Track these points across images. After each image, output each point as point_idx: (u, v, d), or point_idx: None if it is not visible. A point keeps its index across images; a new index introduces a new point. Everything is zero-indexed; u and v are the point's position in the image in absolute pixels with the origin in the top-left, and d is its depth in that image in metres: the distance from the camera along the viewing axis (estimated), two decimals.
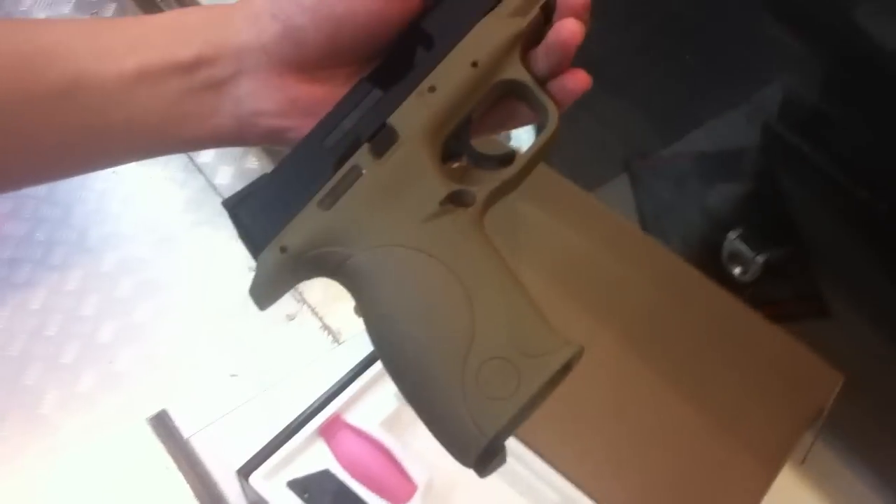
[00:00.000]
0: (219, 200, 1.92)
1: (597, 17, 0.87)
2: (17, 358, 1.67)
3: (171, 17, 0.44)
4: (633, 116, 0.90)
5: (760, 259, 0.80)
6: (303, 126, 0.45)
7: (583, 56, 0.93)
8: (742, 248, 0.81)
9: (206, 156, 1.95)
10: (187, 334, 1.70)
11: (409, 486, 0.80)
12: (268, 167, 1.92)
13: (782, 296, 0.83)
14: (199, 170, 1.93)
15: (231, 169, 1.93)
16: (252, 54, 0.43)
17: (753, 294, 0.83)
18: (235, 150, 1.95)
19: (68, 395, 1.63)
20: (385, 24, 0.43)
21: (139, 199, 1.90)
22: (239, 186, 1.99)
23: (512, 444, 0.82)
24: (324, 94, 0.44)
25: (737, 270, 0.82)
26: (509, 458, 0.82)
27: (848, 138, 0.69)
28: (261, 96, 0.44)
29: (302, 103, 0.44)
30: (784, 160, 0.76)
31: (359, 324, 0.98)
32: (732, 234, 0.82)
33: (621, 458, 0.78)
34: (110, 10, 2.24)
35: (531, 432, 0.81)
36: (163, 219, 1.87)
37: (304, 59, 0.43)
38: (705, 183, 0.86)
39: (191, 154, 1.95)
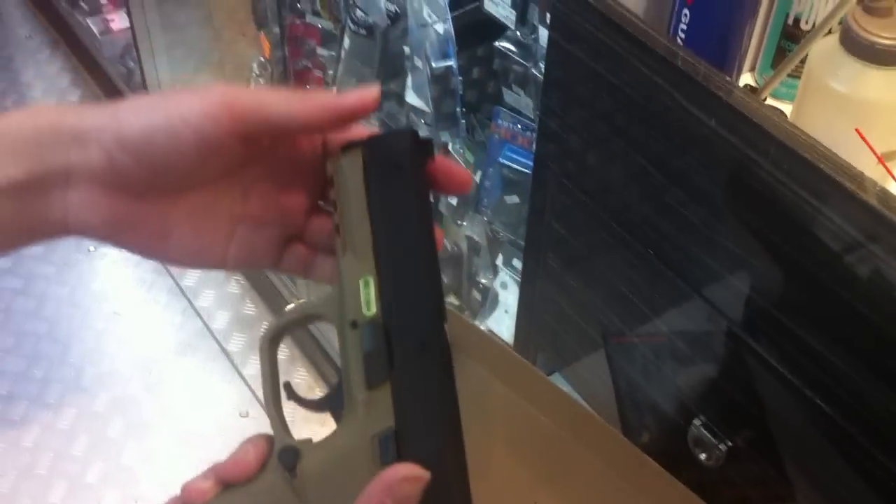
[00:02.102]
0: (213, 344, 1.97)
1: (573, 222, 0.94)
2: (6, 495, 1.69)
3: (2, 133, 0.44)
4: (608, 304, 0.96)
5: (723, 447, 0.84)
6: (129, 237, 0.47)
7: (564, 237, 0.99)
8: (706, 435, 0.85)
9: (205, 300, 2.00)
10: (176, 480, 1.71)
11: None
12: (265, 313, 1.97)
13: (747, 481, 0.86)
14: (197, 313, 1.98)
15: (228, 314, 1.98)
16: (80, 175, 0.44)
17: (718, 479, 0.87)
18: (233, 296, 2.01)
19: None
20: (203, 172, 0.46)
21: (136, 339, 1.95)
22: (234, 331, 2.04)
23: None
24: (150, 211, 0.46)
25: (702, 456, 0.86)
26: None
27: (794, 341, 0.74)
28: (87, 212, 0.45)
29: (129, 219, 0.46)
30: (741, 354, 0.80)
31: None
32: (697, 422, 0.86)
33: None
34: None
35: None
36: (158, 360, 1.91)
37: (129, 186, 0.45)
38: (672, 367, 0.91)
39: (189, 298, 2.01)
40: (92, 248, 2.09)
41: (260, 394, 2.08)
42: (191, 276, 2.05)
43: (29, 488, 1.71)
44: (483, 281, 1.60)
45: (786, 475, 0.82)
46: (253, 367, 1.88)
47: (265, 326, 1.93)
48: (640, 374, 0.97)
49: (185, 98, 0.44)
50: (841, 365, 0.70)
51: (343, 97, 0.45)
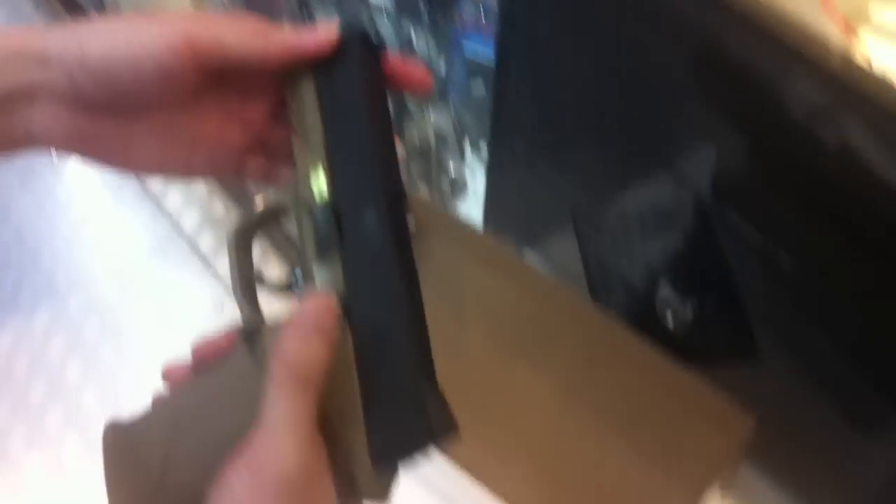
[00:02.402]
0: (184, 244, 1.98)
1: (541, 91, 0.95)
2: None
3: None
4: (574, 179, 0.97)
5: (689, 307, 0.87)
6: (92, 151, 0.48)
7: (529, 122, 1.00)
8: (672, 296, 0.88)
9: (173, 201, 2.00)
10: (154, 377, 1.73)
11: None
12: (234, 211, 1.97)
13: (712, 341, 0.90)
14: (166, 214, 1.98)
15: (197, 214, 1.98)
16: (43, 94, 0.46)
17: (685, 340, 0.90)
18: (202, 195, 2.00)
19: (36, 433, 1.67)
20: (162, 98, 0.47)
21: (106, 244, 1.95)
22: (204, 230, 2.04)
23: (459, 475, 0.87)
24: (112, 128, 0.47)
25: (669, 317, 0.89)
26: (457, 492, 0.88)
27: (769, 205, 0.76)
28: (51, 128, 0.47)
29: (91, 134, 0.47)
30: (709, 217, 0.83)
31: None
32: (663, 284, 0.89)
33: (558, 493, 0.84)
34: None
35: (476, 465, 0.87)
36: (129, 263, 1.91)
37: (91, 106, 0.46)
38: (639, 236, 0.93)
39: (158, 199, 2.00)
40: (55, 158, 2.07)
41: None
42: (157, 179, 2.04)
43: (8, 390, 1.73)
44: (451, 170, 1.61)
45: (751, 333, 0.85)
46: (226, 265, 1.88)
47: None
48: (608, 246, 0.99)
49: (147, 28, 0.45)
50: (805, 224, 0.73)
51: (304, 39, 0.47)
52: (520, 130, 1.00)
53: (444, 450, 0.87)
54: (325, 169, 0.44)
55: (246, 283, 0.45)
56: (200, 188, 2.02)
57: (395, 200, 0.44)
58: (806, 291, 0.76)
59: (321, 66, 0.47)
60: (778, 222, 0.76)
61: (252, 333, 0.45)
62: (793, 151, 0.71)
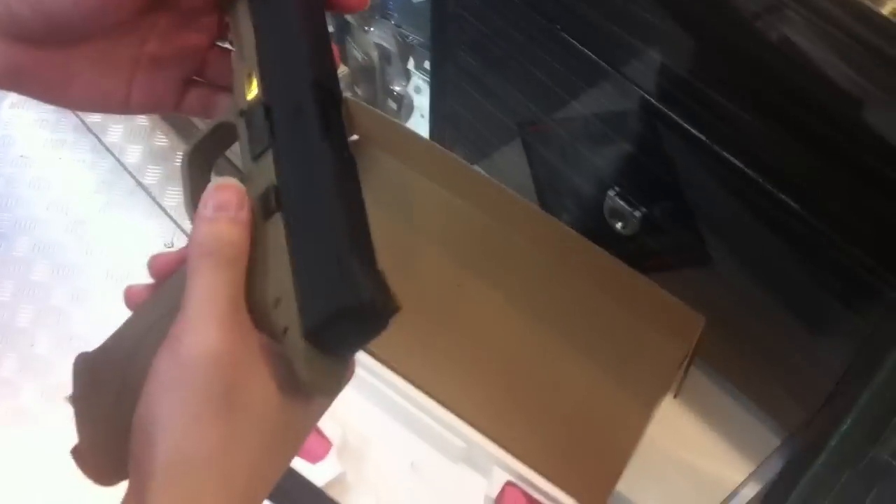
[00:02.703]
0: (129, 179, 1.94)
1: (480, 7, 0.92)
2: None
3: None
4: (521, 90, 0.95)
5: (638, 214, 0.86)
6: (30, 85, 0.46)
7: (471, 35, 0.98)
8: (621, 204, 0.87)
9: (114, 136, 1.95)
10: (107, 314, 1.71)
11: (324, 443, 0.85)
12: (177, 143, 1.93)
13: (662, 248, 0.89)
14: (108, 150, 1.93)
15: (140, 147, 1.93)
16: None
17: (635, 247, 0.90)
18: (142, 129, 1.96)
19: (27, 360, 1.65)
20: (101, 23, 0.46)
21: (48, 182, 1.90)
22: (148, 165, 2.01)
23: (418, 396, 0.88)
24: (49, 59, 0.46)
25: (618, 225, 0.89)
26: (418, 412, 0.88)
27: (705, 102, 0.75)
28: None
29: (29, 67, 0.46)
30: (653, 124, 0.82)
31: None
32: (612, 192, 0.88)
33: (519, 404, 0.84)
34: None
35: (435, 385, 0.87)
36: (74, 201, 1.87)
37: (27, 35, 0.45)
38: (588, 146, 0.92)
39: (98, 135, 1.95)
40: None
41: (184, 224, 2.06)
42: (96, 114, 1.99)
43: None
44: (397, 88, 1.58)
45: (700, 237, 0.85)
46: (172, 199, 1.85)
47: (179, 157, 1.90)
48: (557, 158, 0.98)
49: None
50: (751, 119, 0.72)
51: None
52: (463, 34, 0.97)
53: (389, 351, 0.86)
54: (256, 74, 0.44)
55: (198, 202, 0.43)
56: (142, 121, 1.97)
57: (327, 97, 0.43)
58: (751, 190, 0.75)
59: None
60: (722, 121, 0.75)
61: None
62: (736, 46, 0.70)
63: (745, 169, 0.75)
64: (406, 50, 1.50)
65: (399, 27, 1.46)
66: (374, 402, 0.90)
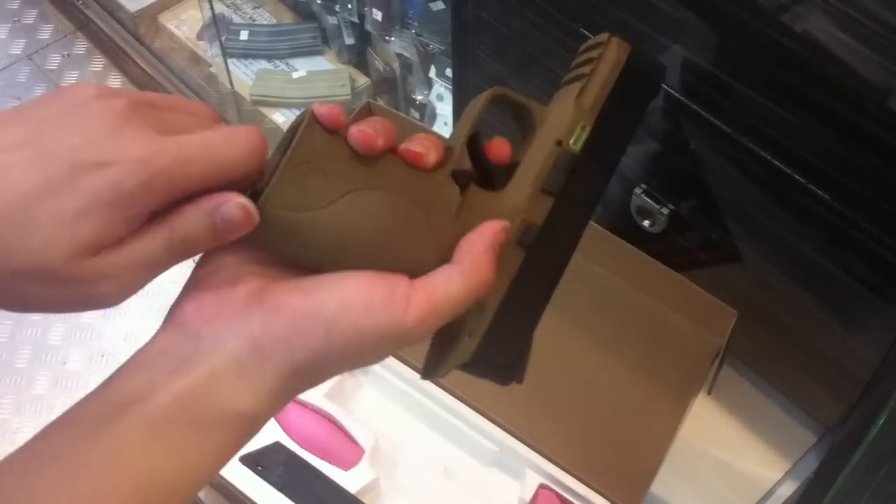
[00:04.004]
0: None
1: (499, 7, 0.92)
2: None
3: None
4: (544, 91, 0.95)
5: (665, 211, 0.86)
6: None
7: (492, 38, 0.98)
8: (648, 202, 0.87)
9: None
10: (137, 331, 1.72)
11: (357, 450, 0.85)
12: None
13: (690, 244, 0.89)
14: None
15: None
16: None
17: (663, 245, 0.89)
18: None
19: (25, 399, 1.66)
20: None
21: None
22: None
23: (450, 400, 0.87)
24: None
25: (646, 223, 0.88)
26: (449, 416, 0.88)
27: (735, 97, 0.74)
28: None
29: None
30: (680, 120, 0.81)
31: None
32: (639, 190, 0.87)
33: (551, 406, 0.84)
34: (31, 16, 2.24)
35: (467, 389, 0.87)
36: None
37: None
38: None
39: None
40: None
41: None
42: None
43: None
44: (419, 97, 1.58)
45: (729, 232, 0.85)
46: None
47: None
48: None
49: None
50: (778, 110, 0.71)
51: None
52: (483, 34, 0.97)
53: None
54: (588, 132, 0.49)
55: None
56: None
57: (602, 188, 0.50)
58: (780, 182, 0.74)
59: (633, 61, 0.51)
60: (749, 114, 0.75)
61: (464, 176, 0.46)
62: (762, 36, 0.69)
63: (774, 160, 0.74)
64: (427, 58, 1.51)
65: (419, 36, 1.46)
66: (405, 407, 0.90)
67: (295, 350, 0.39)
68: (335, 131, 0.42)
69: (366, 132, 0.42)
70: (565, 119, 0.49)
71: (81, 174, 0.37)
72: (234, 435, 0.40)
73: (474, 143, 0.48)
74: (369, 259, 0.42)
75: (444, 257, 0.43)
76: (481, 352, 0.44)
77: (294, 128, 0.44)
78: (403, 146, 0.43)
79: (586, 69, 0.51)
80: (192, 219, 0.40)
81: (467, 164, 0.48)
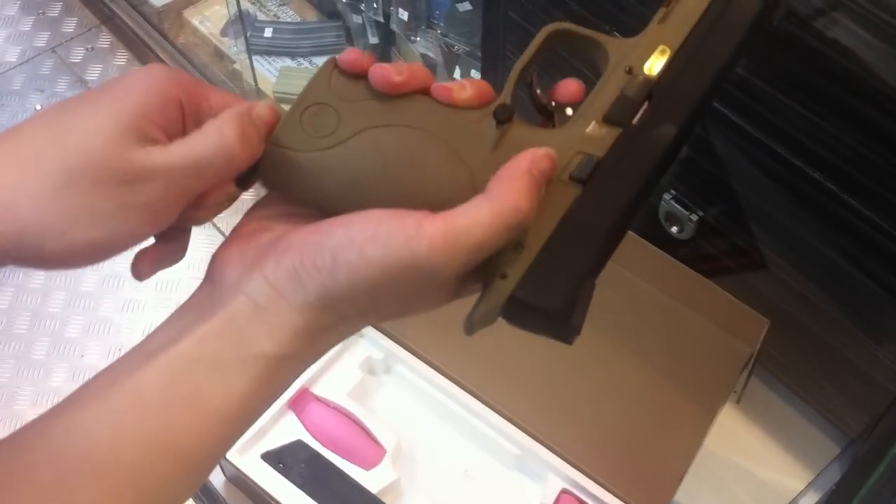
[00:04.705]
0: None
1: (530, 8, 0.92)
2: None
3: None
4: None
5: (694, 217, 0.85)
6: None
7: (521, 38, 0.97)
8: (677, 208, 0.86)
9: None
10: (155, 324, 1.72)
11: (378, 450, 0.85)
12: None
13: (719, 251, 0.88)
14: None
15: None
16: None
17: (691, 252, 0.89)
18: None
19: (42, 391, 1.66)
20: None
21: None
22: None
23: (473, 402, 0.87)
24: None
25: (674, 229, 0.88)
26: (472, 418, 0.87)
27: (765, 101, 0.74)
28: None
29: None
30: (710, 125, 0.81)
31: None
32: (668, 196, 0.87)
33: (576, 411, 0.83)
34: (56, 9, 2.25)
35: (491, 389, 0.86)
36: None
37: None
38: None
39: None
40: (39, 107, 2.04)
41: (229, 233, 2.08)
42: None
43: (11, 349, 1.72)
44: None
45: (758, 240, 0.84)
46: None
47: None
48: None
49: None
50: (810, 115, 0.71)
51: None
52: (513, 35, 0.97)
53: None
54: (670, 56, 0.43)
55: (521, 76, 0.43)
56: None
57: (686, 135, 0.43)
58: (811, 189, 0.74)
59: None
60: (780, 119, 0.74)
61: (505, 110, 0.42)
62: (794, 40, 0.69)
63: (805, 168, 0.74)
64: (452, 59, 1.50)
65: (445, 36, 1.46)
66: (427, 408, 0.90)
67: (305, 282, 0.39)
68: (357, 75, 0.41)
69: (385, 68, 0.41)
70: (641, 44, 0.43)
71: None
72: (259, 379, 0.39)
73: (531, 84, 0.43)
74: (389, 196, 0.40)
75: (477, 188, 0.39)
76: (521, 294, 0.39)
77: (317, 73, 0.43)
78: (435, 84, 0.41)
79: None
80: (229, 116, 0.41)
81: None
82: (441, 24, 1.44)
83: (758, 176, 0.79)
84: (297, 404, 0.88)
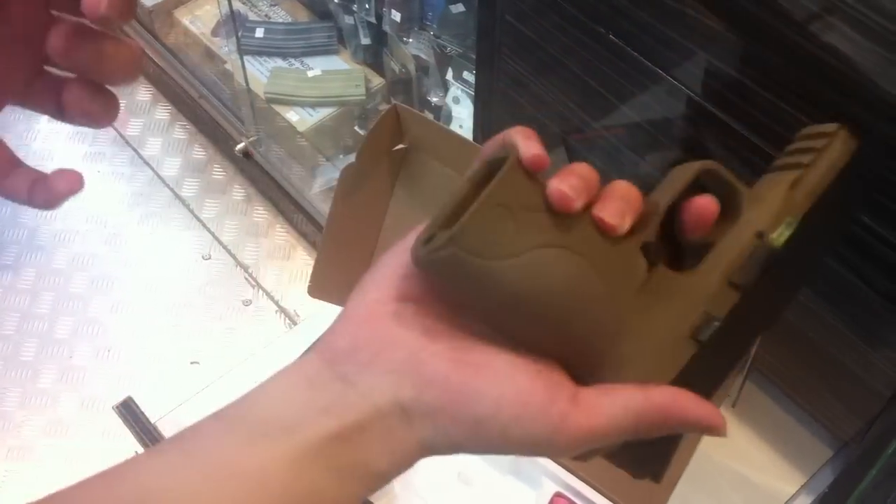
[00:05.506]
0: (167, 191, 1.95)
1: (526, 11, 0.92)
2: None
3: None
4: (567, 95, 0.95)
5: None
6: None
7: (516, 40, 0.97)
8: None
9: (152, 149, 1.97)
10: (144, 326, 1.72)
11: None
12: (214, 156, 1.94)
13: None
14: (146, 162, 1.95)
15: (177, 160, 1.95)
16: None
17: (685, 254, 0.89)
18: (181, 143, 1.97)
19: (30, 392, 1.66)
20: None
21: (88, 194, 1.91)
22: (186, 177, 2.02)
23: None
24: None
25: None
26: None
27: (762, 106, 0.74)
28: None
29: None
30: (706, 128, 0.81)
31: (314, 304, 1.02)
32: None
33: None
34: None
35: None
36: (112, 213, 1.89)
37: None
38: (636, 152, 0.91)
39: (136, 148, 1.97)
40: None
41: (221, 237, 2.06)
42: (134, 126, 2.01)
43: (0, 350, 1.71)
44: (434, 99, 1.58)
45: None
46: (210, 211, 1.86)
47: (217, 168, 1.92)
48: (604, 164, 0.97)
49: None
50: (805, 119, 0.71)
51: None
52: (508, 38, 0.96)
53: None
54: (795, 227, 0.45)
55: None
56: (180, 135, 1.99)
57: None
58: None
59: (863, 156, 0.49)
60: (777, 124, 0.74)
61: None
62: (791, 45, 0.69)
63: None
64: (444, 60, 1.50)
65: (437, 38, 1.46)
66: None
67: (439, 428, 0.39)
68: (534, 177, 0.40)
69: (563, 191, 0.39)
70: (772, 209, 0.45)
71: None
72: (366, 489, 0.40)
73: (670, 216, 0.44)
74: (542, 325, 0.40)
75: (619, 331, 0.40)
76: (618, 462, 0.42)
77: (492, 162, 0.41)
78: (598, 208, 0.40)
79: (805, 159, 0.47)
80: None
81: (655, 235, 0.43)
82: (434, 25, 1.44)
83: (752, 179, 0.79)
84: None
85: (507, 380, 0.39)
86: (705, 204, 0.42)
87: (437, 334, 0.40)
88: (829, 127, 0.48)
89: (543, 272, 0.39)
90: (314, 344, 0.41)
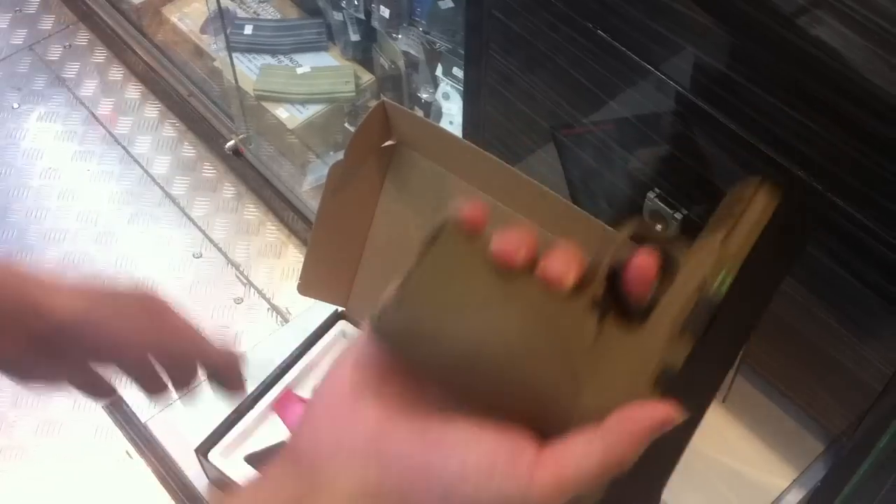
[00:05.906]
0: (157, 190, 1.94)
1: (515, 7, 0.92)
2: None
3: None
4: (556, 91, 0.94)
5: (678, 216, 0.85)
6: None
7: (505, 36, 0.97)
8: (661, 206, 0.86)
9: (142, 147, 1.96)
10: None
11: None
12: (205, 154, 1.94)
13: None
14: (136, 161, 1.94)
15: (167, 158, 1.94)
16: None
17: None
18: (171, 140, 1.96)
19: (22, 392, 1.65)
20: None
21: (76, 194, 1.91)
22: (176, 176, 2.00)
23: None
24: None
25: (658, 228, 0.88)
26: None
27: (751, 101, 0.74)
28: None
29: None
30: (695, 123, 0.81)
31: (305, 302, 1.02)
32: (652, 195, 0.87)
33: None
34: (33, 6, 2.23)
35: None
36: (102, 212, 1.88)
37: None
38: (625, 148, 0.91)
39: (126, 146, 1.96)
40: (16, 105, 2.02)
41: (212, 235, 2.05)
42: (123, 124, 2.00)
43: None
44: (424, 96, 1.58)
45: None
46: (200, 209, 1.86)
47: (207, 166, 1.91)
48: (593, 160, 0.97)
49: None
50: (794, 114, 0.71)
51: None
52: (497, 33, 0.96)
53: None
54: (732, 278, 0.46)
55: None
56: (169, 132, 1.98)
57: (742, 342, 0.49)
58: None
59: (783, 209, 0.49)
60: (765, 119, 0.74)
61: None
62: (780, 40, 0.69)
63: (790, 167, 0.74)
64: (434, 57, 1.50)
65: (427, 34, 1.46)
66: None
67: (410, 501, 0.39)
68: (475, 235, 0.41)
69: (507, 249, 0.40)
70: (709, 261, 0.46)
71: None
72: None
73: (614, 276, 0.44)
74: (496, 385, 0.40)
75: (574, 391, 0.40)
76: (612, 497, 0.42)
77: (436, 229, 0.41)
78: (543, 265, 0.40)
79: (734, 211, 0.48)
80: None
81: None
82: (423, 21, 1.44)
83: (742, 175, 0.79)
84: (280, 406, 0.87)
85: (469, 446, 0.39)
86: (644, 262, 0.42)
87: (396, 416, 0.40)
88: (752, 182, 0.49)
89: (491, 330, 0.39)
90: (280, 450, 0.42)
